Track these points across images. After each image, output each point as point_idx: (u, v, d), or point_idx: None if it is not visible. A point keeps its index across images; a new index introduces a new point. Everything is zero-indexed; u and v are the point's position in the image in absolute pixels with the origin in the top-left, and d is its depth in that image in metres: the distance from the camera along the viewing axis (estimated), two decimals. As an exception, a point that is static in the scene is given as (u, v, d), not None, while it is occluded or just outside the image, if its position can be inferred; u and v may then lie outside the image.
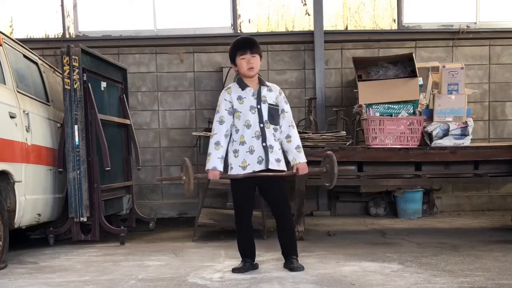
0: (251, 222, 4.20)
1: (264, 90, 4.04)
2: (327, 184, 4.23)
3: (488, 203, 7.99)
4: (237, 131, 4.01)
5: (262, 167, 3.97)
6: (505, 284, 3.60)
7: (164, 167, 8.01)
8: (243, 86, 4.02)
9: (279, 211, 4.11)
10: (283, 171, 4.05)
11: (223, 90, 4.13)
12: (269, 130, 4.00)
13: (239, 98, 4.00)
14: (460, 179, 6.21)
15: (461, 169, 5.80)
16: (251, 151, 3.97)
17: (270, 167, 3.97)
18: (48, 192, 5.46)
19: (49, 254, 5.15)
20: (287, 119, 4.08)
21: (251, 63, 3.96)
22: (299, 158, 4.06)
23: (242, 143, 3.98)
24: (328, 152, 4.24)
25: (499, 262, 4.32)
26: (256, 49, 4.01)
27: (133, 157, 6.72)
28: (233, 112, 4.00)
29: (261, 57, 4.06)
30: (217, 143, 3.98)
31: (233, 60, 4.05)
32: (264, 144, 3.97)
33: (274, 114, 4.03)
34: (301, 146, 4.10)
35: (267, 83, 4.12)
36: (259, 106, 3.99)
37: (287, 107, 4.10)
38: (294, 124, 4.13)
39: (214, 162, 3.97)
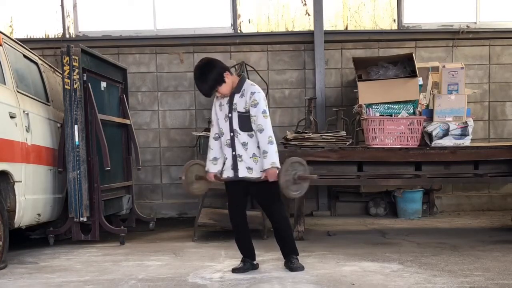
0: (246, 222, 4.22)
1: (236, 97, 3.99)
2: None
3: (488, 203, 7.99)
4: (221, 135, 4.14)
5: (235, 174, 4.04)
6: (505, 284, 3.60)
7: (164, 167, 8.01)
8: None
9: (267, 213, 4.22)
10: (257, 178, 3.98)
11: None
12: (239, 139, 3.99)
13: (220, 104, 4.09)
14: (460, 179, 6.21)
15: (461, 169, 5.80)
16: (226, 158, 4.08)
17: (240, 175, 4.00)
18: (48, 192, 5.46)
19: (49, 254, 5.15)
20: (254, 123, 3.96)
21: (218, 93, 3.99)
22: (264, 164, 3.92)
23: (222, 149, 4.12)
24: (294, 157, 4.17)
25: (499, 262, 4.32)
26: (209, 84, 3.90)
27: (133, 157, 6.72)
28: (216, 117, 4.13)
29: (223, 77, 3.91)
30: (209, 146, 4.16)
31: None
32: (233, 153, 4.02)
33: (245, 121, 3.97)
34: (267, 151, 3.89)
35: (245, 85, 4.00)
36: (230, 115, 4.02)
37: (255, 111, 3.93)
38: (262, 128, 3.91)
39: (207, 164, 4.15)
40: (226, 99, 4.02)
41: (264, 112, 3.95)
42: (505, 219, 6.85)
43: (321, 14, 7.79)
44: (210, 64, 3.94)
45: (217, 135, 4.12)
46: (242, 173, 3.99)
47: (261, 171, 3.96)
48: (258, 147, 3.97)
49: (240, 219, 4.16)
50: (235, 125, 3.98)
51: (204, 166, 4.20)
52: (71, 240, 5.62)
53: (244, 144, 3.99)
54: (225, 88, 3.94)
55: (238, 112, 3.97)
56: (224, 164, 4.10)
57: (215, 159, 4.11)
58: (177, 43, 7.93)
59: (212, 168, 4.11)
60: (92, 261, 4.75)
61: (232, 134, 4.00)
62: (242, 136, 3.98)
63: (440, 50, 7.96)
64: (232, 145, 4.01)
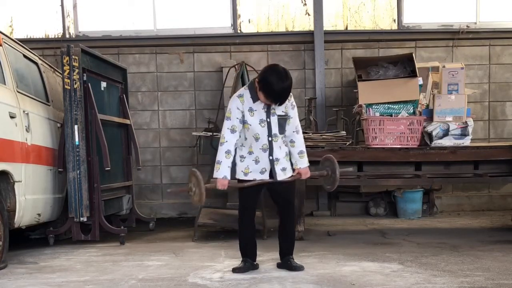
0: (254, 222, 4.23)
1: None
2: (328, 187, 4.26)
3: (488, 203, 7.99)
4: (246, 139, 4.03)
5: (264, 177, 4.02)
6: (505, 284, 3.60)
7: (164, 167, 8.01)
8: (255, 98, 3.95)
9: (285, 212, 4.17)
10: (290, 177, 4.10)
11: (234, 96, 4.06)
12: (277, 143, 4.03)
13: (250, 110, 3.96)
14: (460, 179, 6.22)
15: (461, 169, 5.80)
16: (256, 161, 4.02)
17: (278, 178, 4.02)
18: (48, 192, 5.46)
19: (49, 254, 5.15)
20: (292, 124, 4.05)
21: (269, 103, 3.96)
22: (301, 163, 4.09)
23: (250, 152, 4.02)
24: (328, 155, 4.26)
25: (499, 262, 4.32)
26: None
27: (133, 157, 6.72)
28: (243, 122, 3.98)
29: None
30: (228, 152, 3.96)
31: (262, 84, 3.85)
32: (270, 157, 4.01)
33: (283, 124, 4.03)
34: (304, 151, 4.11)
35: None
36: (268, 120, 3.98)
37: (293, 113, 4.06)
38: (299, 129, 4.12)
39: (224, 171, 3.95)
40: (258, 105, 3.95)
41: (297, 127, 4.10)
42: (505, 219, 6.85)
43: (321, 14, 7.79)
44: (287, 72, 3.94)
45: (238, 142, 4.01)
46: (280, 176, 4.03)
47: (293, 169, 4.09)
48: (286, 145, 4.09)
49: (251, 218, 4.17)
50: (275, 129, 3.99)
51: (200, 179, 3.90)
52: (71, 240, 5.62)
53: (280, 148, 4.05)
54: None
55: (278, 115, 3.99)
56: (246, 166, 4.02)
57: (229, 152, 3.94)
58: (177, 43, 7.93)
59: (229, 175, 3.96)
60: (92, 261, 4.75)
61: (270, 138, 3.99)
62: (279, 139, 4.03)
63: (440, 50, 7.96)
64: (270, 149, 4.00)
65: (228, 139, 3.96)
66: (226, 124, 3.98)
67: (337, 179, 4.12)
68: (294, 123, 4.06)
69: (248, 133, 3.99)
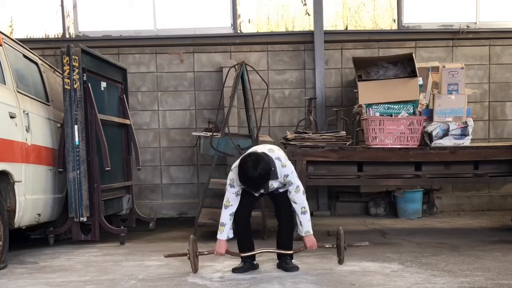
0: (250, 224, 4.25)
1: (271, 181, 4.00)
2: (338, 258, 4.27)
3: (488, 203, 7.99)
4: None
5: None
6: (505, 284, 3.60)
7: (164, 167, 8.00)
8: None
9: (288, 210, 4.17)
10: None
11: (237, 167, 4.00)
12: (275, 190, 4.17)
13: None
14: (460, 179, 6.22)
15: (461, 169, 5.80)
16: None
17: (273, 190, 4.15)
18: (48, 192, 5.46)
19: (49, 254, 5.15)
20: (293, 186, 4.05)
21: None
22: (306, 227, 4.07)
23: None
24: (339, 227, 4.25)
25: (499, 262, 4.32)
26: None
27: (133, 157, 6.72)
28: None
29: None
30: (232, 215, 4.05)
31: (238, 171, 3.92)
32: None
33: (282, 187, 4.13)
34: (306, 207, 4.06)
35: (277, 171, 3.97)
36: (265, 192, 4.11)
37: (290, 189, 4.05)
38: (300, 188, 4.07)
39: (227, 232, 4.06)
40: None
41: (297, 188, 4.05)
42: (505, 219, 6.85)
43: (321, 14, 7.79)
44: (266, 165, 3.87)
45: (238, 193, 4.06)
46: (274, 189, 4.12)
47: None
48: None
49: (246, 221, 4.20)
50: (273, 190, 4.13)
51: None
52: (71, 240, 5.62)
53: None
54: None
55: (276, 188, 4.10)
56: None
57: (232, 215, 4.06)
58: (177, 43, 7.93)
59: (231, 234, 4.10)
60: (92, 261, 4.75)
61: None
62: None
63: (440, 50, 7.96)
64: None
65: (233, 203, 4.05)
66: (231, 190, 4.04)
67: (343, 251, 4.15)
68: (294, 185, 4.04)
69: None
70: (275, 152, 4.04)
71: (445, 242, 5.30)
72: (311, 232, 4.08)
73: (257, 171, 3.75)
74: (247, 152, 4.00)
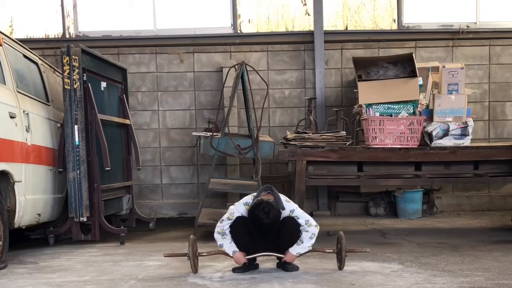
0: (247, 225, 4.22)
1: None
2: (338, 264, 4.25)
3: (488, 203, 7.99)
4: None
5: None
6: (505, 284, 3.60)
7: (164, 167, 8.00)
8: None
9: (286, 223, 4.13)
10: None
11: (240, 203, 4.08)
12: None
13: None
14: (460, 179, 6.22)
15: (461, 169, 5.80)
16: None
17: None
18: (48, 192, 5.46)
19: (49, 254, 5.15)
20: (302, 219, 4.10)
21: None
22: (292, 249, 4.08)
23: None
24: (341, 232, 4.24)
25: (499, 262, 4.32)
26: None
27: (133, 157, 6.72)
28: None
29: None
30: (223, 234, 4.05)
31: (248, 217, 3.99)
32: None
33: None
34: (305, 243, 4.09)
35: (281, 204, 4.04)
36: None
37: (301, 220, 4.09)
38: (312, 223, 4.13)
39: (231, 247, 4.05)
40: None
41: (308, 222, 4.10)
42: (505, 219, 6.85)
43: (321, 14, 7.79)
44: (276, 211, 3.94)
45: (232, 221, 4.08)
46: None
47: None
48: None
49: (243, 227, 4.14)
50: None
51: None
52: (71, 240, 5.62)
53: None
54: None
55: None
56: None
57: (223, 234, 4.07)
58: (177, 43, 7.93)
59: (235, 247, 4.07)
60: (92, 261, 4.75)
61: None
62: None
63: (440, 50, 7.97)
64: None
65: (225, 229, 4.05)
66: (226, 221, 4.06)
67: (343, 257, 4.14)
68: (303, 219, 4.08)
69: None
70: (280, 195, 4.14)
71: (445, 242, 5.30)
72: (300, 253, 4.09)
73: (269, 219, 3.84)
74: (256, 201, 3.98)
